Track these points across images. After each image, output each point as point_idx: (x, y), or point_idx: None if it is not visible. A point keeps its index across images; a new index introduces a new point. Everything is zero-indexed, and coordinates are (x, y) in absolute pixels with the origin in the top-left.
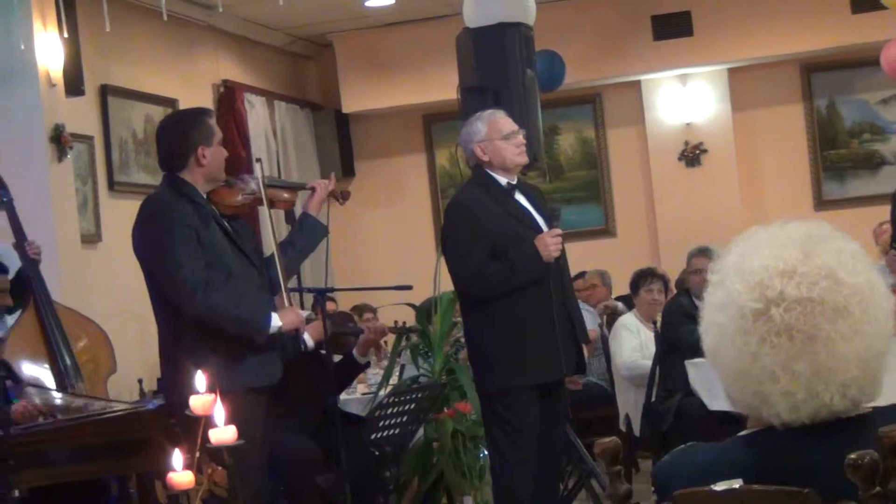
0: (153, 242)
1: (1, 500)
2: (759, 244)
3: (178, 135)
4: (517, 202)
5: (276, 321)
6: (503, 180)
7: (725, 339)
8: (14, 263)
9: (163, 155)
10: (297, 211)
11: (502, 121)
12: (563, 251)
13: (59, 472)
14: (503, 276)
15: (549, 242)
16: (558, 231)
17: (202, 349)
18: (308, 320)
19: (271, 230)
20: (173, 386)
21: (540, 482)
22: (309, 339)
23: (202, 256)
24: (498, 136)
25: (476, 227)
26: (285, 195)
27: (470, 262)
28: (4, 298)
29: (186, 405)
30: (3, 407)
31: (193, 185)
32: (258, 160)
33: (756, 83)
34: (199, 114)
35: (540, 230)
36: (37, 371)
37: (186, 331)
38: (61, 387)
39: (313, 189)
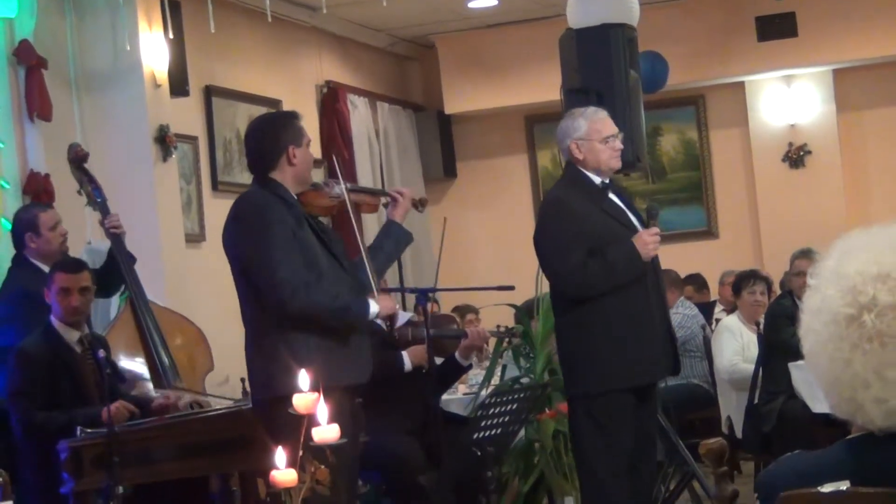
0: (250, 241)
1: (106, 496)
2: (858, 248)
3: (268, 135)
4: (612, 201)
5: (374, 307)
6: (597, 179)
7: (819, 345)
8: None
9: (253, 155)
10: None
11: (603, 122)
12: (657, 262)
13: (162, 469)
14: (603, 274)
15: (647, 241)
16: (657, 230)
17: (295, 346)
18: (410, 322)
19: (358, 233)
20: (268, 382)
21: (634, 488)
22: (408, 361)
23: (299, 255)
24: (597, 137)
25: (574, 224)
26: (369, 199)
27: (570, 259)
28: (72, 297)
29: (277, 400)
30: (96, 411)
31: (283, 185)
32: (337, 162)
33: (861, 84)
34: (288, 115)
35: (635, 229)
36: (134, 369)
37: (281, 328)
38: (158, 385)
39: (396, 196)
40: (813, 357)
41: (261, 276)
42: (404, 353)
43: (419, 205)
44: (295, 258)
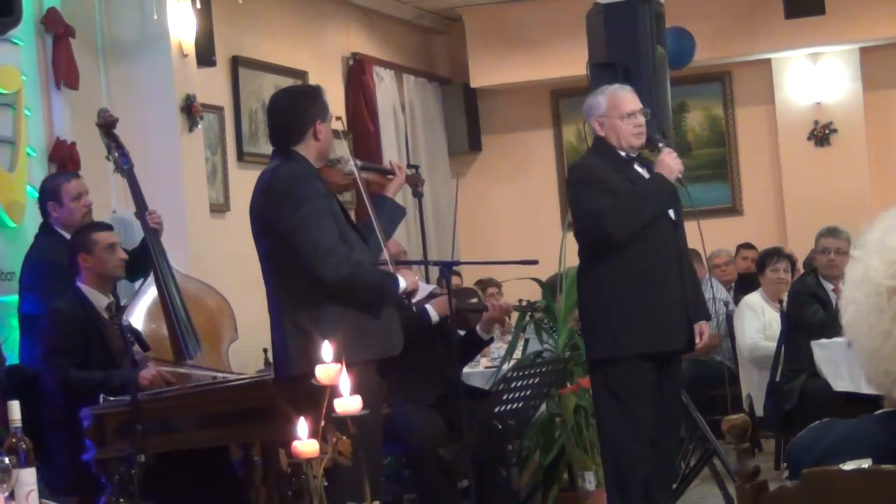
0: (290, 213)
1: (128, 464)
2: None
3: (297, 108)
4: (637, 172)
5: (402, 282)
6: (622, 152)
7: (860, 315)
8: (138, 232)
9: (279, 127)
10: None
11: (625, 99)
12: (682, 234)
13: (184, 438)
14: (636, 204)
15: (667, 160)
16: (669, 148)
17: (328, 320)
18: (432, 295)
19: (371, 212)
20: (306, 357)
21: (655, 461)
22: (433, 313)
23: (336, 227)
24: (616, 114)
25: (602, 182)
26: (377, 178)
27: (602, 200)
28: (118, 251)
29: (312, 375)
30: (132, 373)
31: (307, 159)
32: (345, 133)
33: (888, 63)
34: (315, 89)
35: None
36: (155, 339)
37: (314, 302)
38: (178, 354)
39: (395, 171)
40: (852, 327)
41: (303, 248)
42: (428, 307)
43: (419, 185)
44: (332, 231)
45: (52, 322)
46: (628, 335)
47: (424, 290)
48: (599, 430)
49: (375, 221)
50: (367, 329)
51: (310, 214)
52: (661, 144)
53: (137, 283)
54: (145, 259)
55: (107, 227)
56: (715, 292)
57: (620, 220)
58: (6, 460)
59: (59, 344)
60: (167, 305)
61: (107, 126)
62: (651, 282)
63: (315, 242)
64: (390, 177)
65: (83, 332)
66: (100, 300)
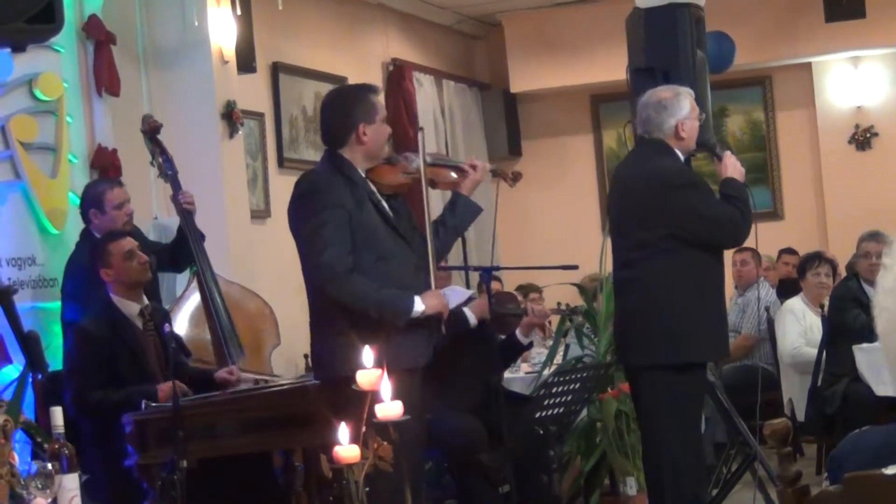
0: (303, 221)
1: (170, 470)
2: None
3: (339, 111)
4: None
5: (418, 305)
6: (683, 157)
7: (892, 323)
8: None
9: (325, 130)
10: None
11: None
12: None
13: (226, 444)
14: (745, 206)
15: (738, 164)
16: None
17: (348, 327)
18: (471, 299)
19: (426, 211)
20: (323, 360)
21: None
22: (472, 316)
23: (349, 240)
24: (696, 115)
25: (707, 187)
26: (452, 176)
27: (728, 209)
28: (138, 256)
29: (339, 380)
30: (150, 389)
31: (352, 162)
32: (421, 129)
33: None
34: (362, 90)
35: None
36: (197, 343)
37: (334, 308)
38: (221, 360)
39: (467, 169)
40: (885, 336)
41: (307, 258)
42: (466, 310)
43: (511, 178)
44: (343, 244)
45: (75, 342)
46: (697, 342)
47: (464, 295)
48: (652, 441)
49: (428, 226)
50: (385, 338)
51: (320, 223)
52: (718, 149)
53: (180, 289)
54: (185, 246)
55: (121, 234)
56: (761, 293)
57: (746, 225)
58: (49, 466)
59: (80, 365)
60: (210, 311)
61: (151, 132)
62: (717, 290)
63: (317, 253)
64: (466, 174)
65: (109, 349)
66: (132, 308)
